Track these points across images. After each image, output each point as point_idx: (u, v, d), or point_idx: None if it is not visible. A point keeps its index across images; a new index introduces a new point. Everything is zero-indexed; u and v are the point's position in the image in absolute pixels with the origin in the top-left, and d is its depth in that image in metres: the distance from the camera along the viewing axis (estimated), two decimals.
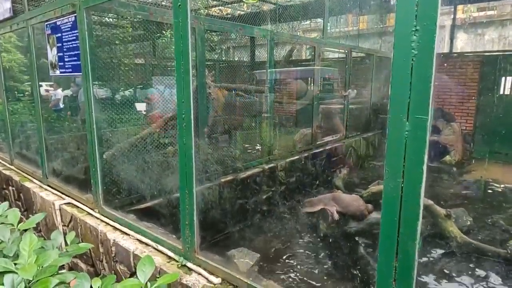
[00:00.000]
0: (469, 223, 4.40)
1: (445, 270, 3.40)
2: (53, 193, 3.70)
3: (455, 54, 8.47)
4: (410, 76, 1.24)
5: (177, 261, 2.31)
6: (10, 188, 4.53)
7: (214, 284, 2.05)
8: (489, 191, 6.10)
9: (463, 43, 10.58)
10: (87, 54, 2.83)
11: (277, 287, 2.00)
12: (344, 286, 3.08)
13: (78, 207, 3.29)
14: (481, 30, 10.35)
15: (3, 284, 1.17)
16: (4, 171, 4.71)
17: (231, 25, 4.11)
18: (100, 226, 2.89)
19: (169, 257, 2.37)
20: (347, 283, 3.12)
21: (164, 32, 5.29)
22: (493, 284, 3.22)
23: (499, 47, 10.06)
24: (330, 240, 3.44)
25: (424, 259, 3.60)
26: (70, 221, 3.23)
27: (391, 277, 1.39)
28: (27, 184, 4.06)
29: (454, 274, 3.36)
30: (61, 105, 7.68)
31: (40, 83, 3.92)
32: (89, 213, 3.13)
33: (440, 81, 8.34)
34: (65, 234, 2.62)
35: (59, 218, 3.36)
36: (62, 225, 3.39)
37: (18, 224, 1.72)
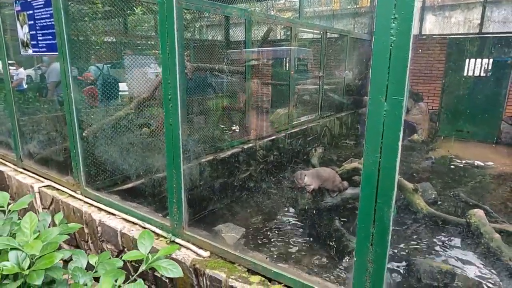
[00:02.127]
0: (434, 196, 4.76)
1: (414, 237, 3.71)
2: (29, 176, 3.63)
3: (424, 36, 8.79)
4: (389, 60, 1.35)
5: (165, 238, 2.39)
6: None
7: (203, 257, 2.16)
8: (452, 166, 6.55)
9: (432, 25, 10.93)
10: (64, 33, 2.75)
11: (262, 257, 2.14)
12: (321, 255, 3.30)
13: (58, 189, 3.27)
14: (448, 13, 10.73)
15: (8, 260, 1.22)
16: None
17: (210, 4, 4.07)
18: (84, 207, 2.90)
19: (157, 235, 2.45)
20: (324, 252, 3.34)
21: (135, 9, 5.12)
22: (454, 246, 3.58)
23: (464, 30, 10.50)
24: (308, 214, 3.64)
25: (395, 228, 3.89)
26: (51, 204, 3.21)
27: (369, 241, 1.55)
28: (0, 167, 3.95)
29: (420, 240, 3.68)
30: (24, 85, 7.31)
31: None
32: (71, 195, 3.13)
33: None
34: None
35: (38, 201, 3.32)
36: (42, 208, 3.36)
37: (8, 206, 1.73)
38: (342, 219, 3.71)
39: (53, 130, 3.84)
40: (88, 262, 1.58)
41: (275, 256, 2.89)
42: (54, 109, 5.30)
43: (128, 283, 1.29)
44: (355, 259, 1.62)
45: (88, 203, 2.97)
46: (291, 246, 3.33)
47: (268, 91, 7.64)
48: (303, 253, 3.25)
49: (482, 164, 6.57)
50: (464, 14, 10.57)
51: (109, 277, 1.25)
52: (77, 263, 1.52)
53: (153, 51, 5.43)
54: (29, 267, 1.23)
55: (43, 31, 2.99)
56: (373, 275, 1.57)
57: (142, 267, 1.35)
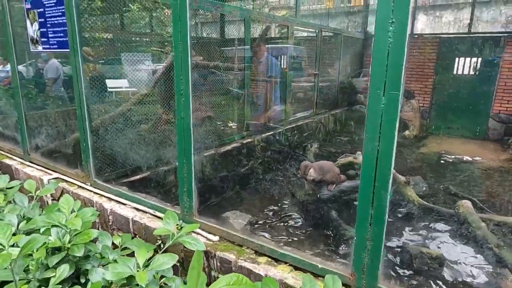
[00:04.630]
0: (424, 188, 5.00)
1: (406, 227, 3.92)
2: (37, 169, 3.74)
3: (416, 35, 9.03)
4: (386, 59, 1.53)
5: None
6: None
7: (213, 241, 2.32)
8: (442, 161, 6.81)
9: (423, 24, 11.21)
10: (75, 30, 2.88)
11: (267, 240, 2.32)
12: (319, 243, 3.49)
13: (67, 181, 3.39)
14: (439, 13, 11.01)
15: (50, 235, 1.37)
16: None
17: (211, 3, 4.21)
18: (94, 198, 3.04)
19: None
20: (321, 240, 3.54)
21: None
22: (443, 234, 3.80)
23: (455, 29, 10.79)
24: (308, 204, 3.83)
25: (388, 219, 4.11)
26: (60, 195, 3.33)
27: (368, 221, 1.74)
28: (7, 161, 4.05)
29: (412, 229, 3.90)
30: None
31: None
32: (80, 187, 3.26)
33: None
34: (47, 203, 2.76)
35: (38, 193, 3.44)
36: (52, 199, 3.48)
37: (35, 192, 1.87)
38: (338, 209, 3.90)
39: (62, 124, 3.96)
40: (112, 242, 1.74)
41: (278, 240, 3.06)
42: (56, 105, 5.40)
43: (160, 253, 1.45)
44: (355, 237, 1.80)
45: (98, 193, 3.10)
46: (290, 234, 3.51)
47: (264, 88, 7.80)
48: (303, 240, 3.43)
49: (471, 159, 6.85)
50: (454, 14, 10.86)
51: (143, 250, 1.40)
52: (103, 243, 1.67)
53: (151, 48, 5.56)
54: (69, 242, 1.38)
55: (54, 29, 3.10)
56: (371, 251, 1.75)
57: (169, 242, 1.51)
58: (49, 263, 1.30)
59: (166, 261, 1.34)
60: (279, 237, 3.16)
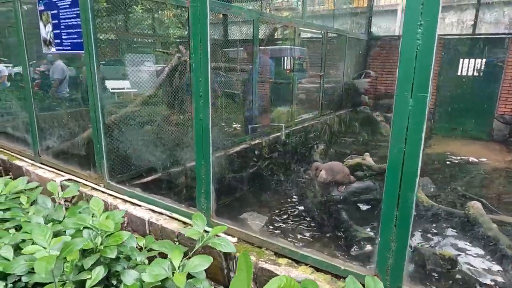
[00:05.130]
0: (432, 190, 5.00)
1: (417, 227, 3.94)
2: (49, 170, 3.74)
3: None
4: (414, 61, 1.54)
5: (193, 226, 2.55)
6: None
7: (232, 243, 2.32)
8: (448, 162, 6.81)
9: None
10: (91, 32, 2.88)
11: (284, 241, 2.32)
12: (331, 245, 3.49)
13: (80, 183, 3.39)
14: (442, 14, 11.02)
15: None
16: None
17: (221, 5, 4.22)
18: (109, 199, 3.04)
19: (185, 223, 2.60)
20: (333, 242, 3.54)
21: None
22: (454, 236, 3.81)
23: (458, 31, 10.81)
24: (319, 205, 3.83)
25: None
26: (73, 197, 3.33)
27: (393, 223, 1.74)
28: (17, 162, 4.05)
29: (423, 230, 3.91)
30: (7, 83, 7.17)
31: None
32: (94, 188, 3.26)
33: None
34: (66, 206, 2.77)
35: (61, 194, 3.44)
36: (64, 201, 3.48)
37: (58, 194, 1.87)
38: (352, 210, 3.91)
39: (75, 125, 3.96)
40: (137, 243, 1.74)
41: (293, 242, 3.07)
42: (65, 106, 5.40)
43: (192, 256, 1.45)
44: (379, 239, 1.81)
45: (112, 195, 3.11)
46: (306, 235, 3.52)
47: (272, 89, 7.81)
48: (318, 241, 3.44)
49: (476, 160, 6.85)
50: (458, 15, 10.89)
51: (177, 252, 1.40)
52: (130, 245, 1.67)
53: (156, 49, 5.57)
54: (101, 244, 1.38)
55: (68, 30, 3.11)
56: (396, 253, 1.75)
57: (199, 244, 1.51)
58: (84, 265, 1.30)
59: (201, 263, 1.34)
60: (296, 238, 3.17)
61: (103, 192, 3.18)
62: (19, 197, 1.99)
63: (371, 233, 3.52)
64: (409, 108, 1.58)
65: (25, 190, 2.12)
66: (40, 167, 3.85)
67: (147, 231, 2.73)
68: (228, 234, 2.40)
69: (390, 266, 1.78)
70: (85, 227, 1.42)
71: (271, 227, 3.11)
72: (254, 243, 2.30)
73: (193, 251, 1.52)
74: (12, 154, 4.32)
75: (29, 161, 4.03)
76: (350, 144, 8.05)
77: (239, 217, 2.92)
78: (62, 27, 3.15)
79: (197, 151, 2.42)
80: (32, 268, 1.21)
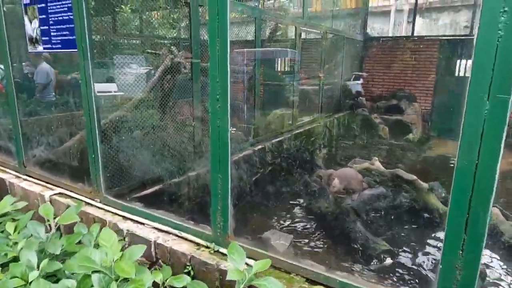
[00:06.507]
0: (443, 194, 4.81)
1: (436, 236, 3.71)
2: (36, 183, 3.35)
3: (416, 38, 8.95)
4: (494, 57, 1.28)
5: (207, 248, 2.24)
6: None
7: None
8: (451, 165, 6.67)
9: (420, 27, 11.18)
10: (84, 28, 2.54)
11: (317, 265, 2.03)
12: (348, 259, 3.23)
13: (73, 197, 3.03)
14: (436, 15, 11.01)
15: (92, 286, 1.05)
16: None
17: None
18: (107, 216, 2.69)
19: (197, 244, 2.29)
20: (350, 256, 3.28)
21: None
22: None
23: (451, 32, 10.80)
24: (332, 217, 3.57)
25: (414, 227, 3.90)
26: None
27: (459, 248, 1.48)
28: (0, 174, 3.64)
29: (439, 240, 3.68)
30: None
31: None
32: (88, 204, 2.90)
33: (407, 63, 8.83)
34: (57, 227, 2.41)
35: (57, 220, 3.07)
36: (54, 217, 3.10)
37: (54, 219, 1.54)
38: (365, 220, 3.66)
39: (65, 132, 3.59)
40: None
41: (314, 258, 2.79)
42: (49, 111, 5.00)
43: None
44: (440, 266, 1.54)
45: (110, 211, 2.76)
46: (316, 249, 3.24)
47: (269, 90, 7.54)
48: (329, 256, 3.17)
49: None
50: (451, 16, 10.87)
51: None
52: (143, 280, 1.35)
53: (146, 50, 5.22)
54: None
55: (58, 26, 2.76)
56: (461, 283, 1.49)
57: (239, 285, 1.21)
58: None
59: None
60: (326, 259, 2.88)
61: (99, 208, 2.83)
62: (4, 222, 1.64)
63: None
64: (484, 112, 1.32)
65: (13, 211, 1.77)
66: (25, 179, 3.46)
67: (153, 254, 2.40)
68: (250, 257, 2.10)
69: None
70: (96, 271, 1.11)
71: (297, 249, 2.80)
72: (281, 267, 2.00)
73: None
74: None
75: (13, 172, 3.63)
76: (350, 148, 7.85)
77: (261, 236, 2.62)
78: (51, 22, 2.80)
79: (213, 163, 2.11)
80: None
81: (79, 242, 1.54)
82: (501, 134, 1.32)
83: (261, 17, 4.57)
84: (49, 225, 1.50)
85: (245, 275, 1.23)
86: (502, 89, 1.29)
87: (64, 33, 2.74)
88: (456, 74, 8.57)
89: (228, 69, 1.95)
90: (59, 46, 2.82)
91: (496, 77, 1.29)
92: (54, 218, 1.75)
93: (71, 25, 2.64)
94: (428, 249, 3.58)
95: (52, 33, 2.83)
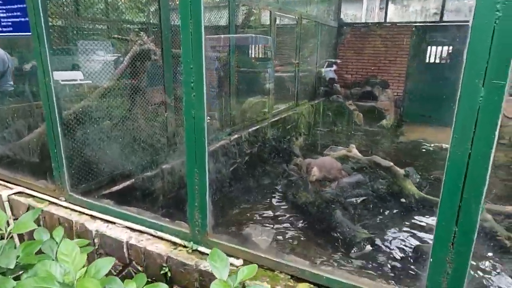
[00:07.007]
0: (418, 180, 4.89)
1: (411, 221, 3.76)
2: None
3: (389, 24, 9.00)
4: (491, 40, 1.20)
5: (185, 247, 2.10)
6: None
7: (237, 266, 1.90)
8: (423, 150, 6.83)
9: (391, 13, 11.27)
10: (39, 8, 2.27)
11: (302, 261, 1.95)
12: (329, 248, 3.20)
13: (34, 196, 2.77)
14: (407, 2, 11.12)
15: None
16: None
17: None
18: (73, 216, 2.48)
19: (174, 243, 2.15)
20: (331, 245, 3.24)
21: None
22: None
23: (422, 18, 10.96)
24: (311, 206, 3.51)
25: (392, 213, 3.93)
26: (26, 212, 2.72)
27: (449, 240, 1.42)
28: None
29: (417, 225, 3.75)
30: None
31: None
32: (52, 203, 2.67)
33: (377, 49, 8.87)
34: (11, 236, 2.19)
35: (9, 212, 2.81)
36: (14, 219, 2.84)
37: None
38: (345, 208, 3.63)
39: (23, 126, 3.28)
40: None
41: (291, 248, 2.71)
42: (6, 102, 4.60)
43: None
44: (430, 259, 1.49)
45: (77, 211, 2.54)
46: (298, 241, 3.18)
47: (244, 79, 7.34)
48: (310, 247, 3.12)
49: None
50: (422, 3, 11.02)
51: None
52: None
53: (114, 36, 4.89)
54: None
55: (8, 6, 2.45)
56: (452, 276, 1.45)
57: None
58: None
59: None
60: (310, 254, 2.80)
61: (65, 207, 2.60)
62: None
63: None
64: (479, 99, 1.25)
65: None
66: None
67: (126, 256, 2.23)
68: (231, 255, 1.98)
69: None
70: None
71: (280, 241, 2.70)
72: (264, 265, 1.91)
73: None
74: None
75: None
76: (326, 135, 7.86)
77: (242, 233, 2.50)
78: (0, 2, 2.49)
79: (189, 156, 1.96)
80: None
81: (40, 251, 1.36)
82: (496, 122, 1.25)
83: (235, 0, 4.36)
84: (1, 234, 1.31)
85: (230, 286, 1.11)
86: (498, 74, 1.21)
87: (16, 14, 2.44)
88: (427, 60, 8.72)
89: (203, 54, 1.78)
90: (11, 29, 2.52)
91: (492, 61, 1.21)
92: (10, 223, 1.55)
93: (23, 5, 2.36)
94: (408, 234, 3.62)
95: (0, 15, 2.52)
